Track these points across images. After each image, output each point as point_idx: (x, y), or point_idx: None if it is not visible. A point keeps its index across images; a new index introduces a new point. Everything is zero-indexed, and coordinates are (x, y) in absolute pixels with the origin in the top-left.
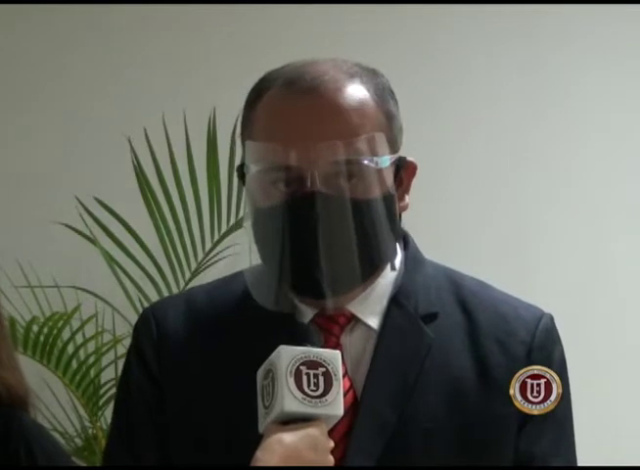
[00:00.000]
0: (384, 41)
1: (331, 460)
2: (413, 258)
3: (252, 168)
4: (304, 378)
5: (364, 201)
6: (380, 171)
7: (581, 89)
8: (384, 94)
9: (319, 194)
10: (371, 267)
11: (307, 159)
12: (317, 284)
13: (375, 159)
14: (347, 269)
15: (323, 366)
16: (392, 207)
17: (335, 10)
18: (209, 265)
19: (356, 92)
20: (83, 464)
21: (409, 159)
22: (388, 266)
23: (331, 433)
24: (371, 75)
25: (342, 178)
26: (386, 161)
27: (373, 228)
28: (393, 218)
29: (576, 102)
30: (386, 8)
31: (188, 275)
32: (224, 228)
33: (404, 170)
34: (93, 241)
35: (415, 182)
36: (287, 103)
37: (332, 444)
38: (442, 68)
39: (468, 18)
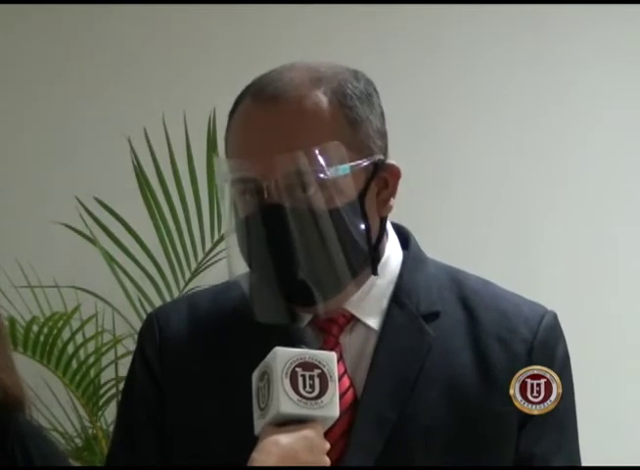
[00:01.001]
0: (384, 41)
1: (327, 462)
2: (415, 258)
3: (218, 183)
4: (300, 380)
5: (317, 210)
6: (334, 181)
7: (582, 88)
8: (351, 100)
9: (271, 206)
10: (333, 273)
11: (261, 172)
12: (290, 294)
13: (328, 169)
14: (310, 278)
15: (319, 368)
16: (353, 213)
17: (335, 10)
18: (209, 265)
19: (313, 102)
20: (82, 465)
21: (389, 162)
22: (388, 266)
23: (331, 431)
24: (344, 80)
25: (296, 190)
26: (344, 169)
27: (327, 236)
28: (355, 224)
29: (577, 101)
30: (386, 7)
31: (188, 275)
32: (224, 228)
33: (388, 173)
34: (93, 241)
35: (417, 182)
36: (247, 117)
37: (327, 445)
38: (441, 67)
39: (468, 17)
